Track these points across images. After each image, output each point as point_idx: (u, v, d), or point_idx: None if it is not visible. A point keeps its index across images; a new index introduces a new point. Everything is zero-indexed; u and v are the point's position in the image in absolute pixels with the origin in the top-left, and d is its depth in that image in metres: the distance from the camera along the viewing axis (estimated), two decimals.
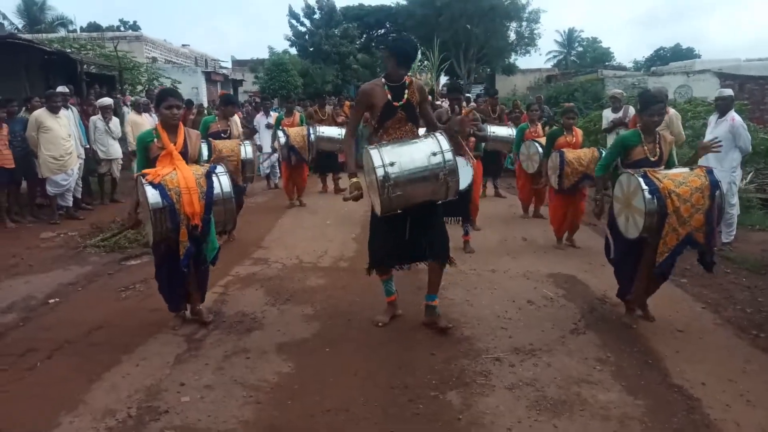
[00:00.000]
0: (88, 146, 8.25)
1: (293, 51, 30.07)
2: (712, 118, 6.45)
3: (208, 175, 3.68)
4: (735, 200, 6.05)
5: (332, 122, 9.74)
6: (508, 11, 30.83)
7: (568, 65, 44.84)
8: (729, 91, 6.28)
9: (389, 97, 3.64)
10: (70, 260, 5.73)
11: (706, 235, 3.55)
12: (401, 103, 3.66)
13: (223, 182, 3.73)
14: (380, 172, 3.37)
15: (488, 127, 7.63)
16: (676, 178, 3.58)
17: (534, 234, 6.76)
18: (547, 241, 6.40)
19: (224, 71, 28.95)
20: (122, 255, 5.86)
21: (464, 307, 4.30)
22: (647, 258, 3.81)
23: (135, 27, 43.31)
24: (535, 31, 32.94)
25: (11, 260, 5.71)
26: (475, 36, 29.19)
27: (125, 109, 11.15)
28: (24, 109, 7.85)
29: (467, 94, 16.29)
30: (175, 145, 3.74)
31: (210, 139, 5.83)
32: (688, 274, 4.98)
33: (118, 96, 12.49)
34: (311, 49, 28.91)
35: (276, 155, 9.66)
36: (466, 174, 5.13)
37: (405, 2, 32.05)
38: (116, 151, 8.77)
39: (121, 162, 9.00)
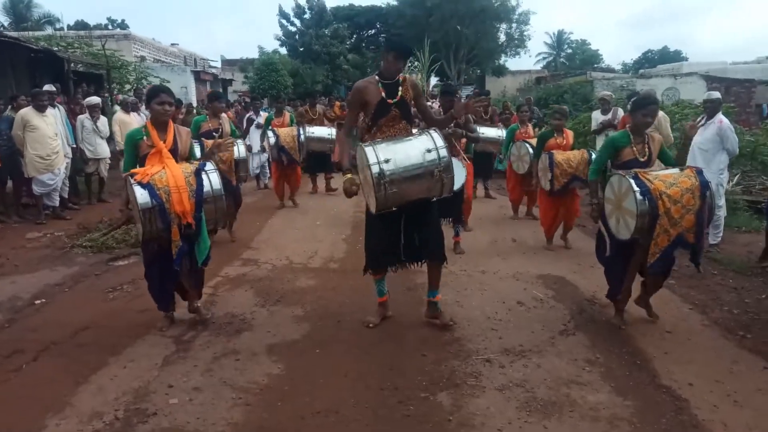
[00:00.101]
0: (75, 145, 8.16)
1: (283, 51, 30.02)
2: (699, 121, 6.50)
3: (198, 173, 3.64)
4: (722, 202, 6.11)
5: (323, 122, 9.71)
6: (498, 13, 31.01)
7: (557, 67, 45.15)
8: (717, 94, 6.34)
9: (383, 94, 3.63)
10: (56, 260, 5.66)
11: (696, 235, 3.58)
12: (395, 100, 3.66)
13: (212, 180, 3.69)
14: (375, 168, 3.36)
15: (478, 128, 7.65)
16: (667, 179, 3.61)
17: (524, 235, 6.78)
18: (537, 242, 6.43)
19: (213, 71, 28.82)
20: (110, 255, 5.80)
21: (454, 308, 4.30)
22: (637, 259, 3.84)
23: (123, 25, 42.94)
24: (525, 33, 33.20)
25: None
26: (466, 37, 29.32)
27: (117, 107, 11.06)
28: (10, 107, 7.76)
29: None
30: (164, 142, 3.70)
31: (202, 138, 5.79)
32: (676, 276, 5.01)
33: (107, 95, 12.39)
34: (301, 49, 28.87)
35: (265, 155, 9.62)
36: (458, 175, 5.14)
37: (395, 3, 32.12)
38: (104, 150, 8.68)
39: (108, 161, 8.92)
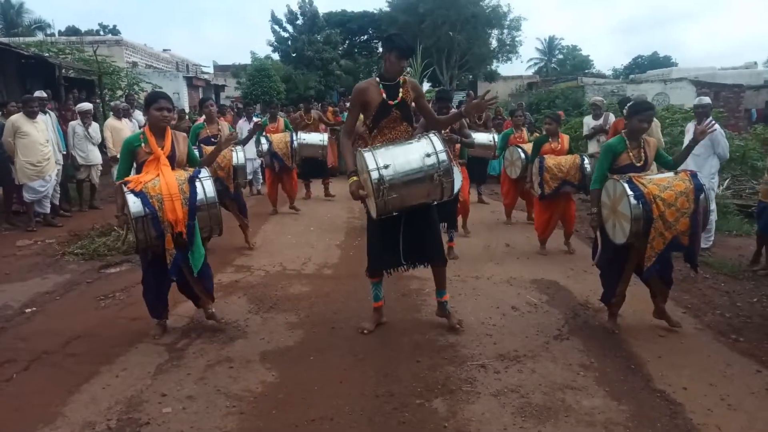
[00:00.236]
0: (66, 152, 8.10)
1: (276, 56, 30.06)
2: (690, 126, 6.56)
3: (191, 181, 3.62)
4: (713, 206, 6.16)
5: (318, 127, 9.71)
6: (490, 19, 31.22)
7: (548, 72, 45.48)
8: (707, 99, 6.40)
9: (384, 95, 3.62)
10: (47, 268, 5.61)
11: (691, 239, 3.59)
12: (396, 101, 3.65)
13: (206, 187, 3.65)
14: (374, 174, 3.35)
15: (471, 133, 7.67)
16: (661, 182, 3.63)
17: (517, 240, 6.80)
18: (531, 247, 6.44)
19: (206, 76, 28.81)
20: (101, 263, 5.75)
21: None
22: (632, 263, 3.86)
23: (115, 31, 42.87)
24: (517, 39, 33.44)
25: None
26: (458, 43, 29.49)
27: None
28: (0, 114, 7.69)
29: None
30: (162, 149, 3.67)
31: (201, 145, 5.78)
32: None
33: (98, 101, 12.32)
34: (294, 55, 28.91)
35: (258, 161, 9.59)
36: (455, 180, 5.15)
37: (388, 9, 32.25)
38: (96, 156, 8.63)
39: (100, 168, 8.86)
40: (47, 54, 13.09)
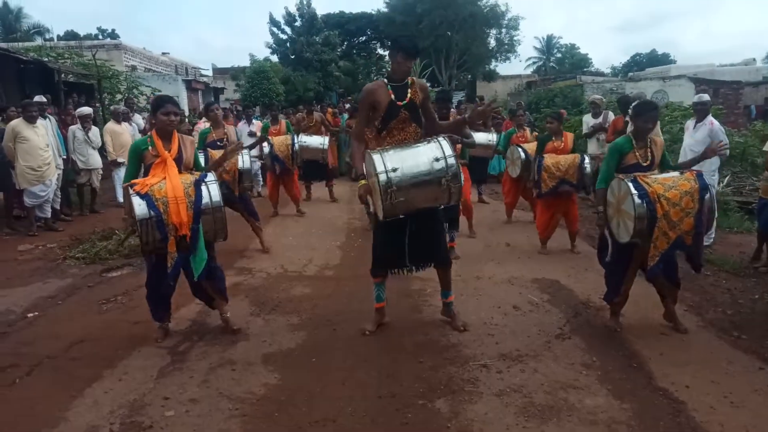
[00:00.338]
0: (66, 156, 8.11)
1: (274, 58, 30.02)
2: (690, 123, 6.57)
3: (197, 184, 3.62)
4: (713, 204, 6.16)
5: (320, 129, 9.72)
6: (488, 18, 31.21)
7: (547, 71, 45.45)
8: (707, 97, 6.41)
9: (392, 96, 3.63)
10: (49, 273, 5.62)
11: (695, 238, 3.58)
12: (405, 102, 3.65)
13: (212, 191, 3.65)
14: (383, 177, 3.36)
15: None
16: (666, 182, 3.62)
17: (518, 240, 6.80)
18: (531, 246, 6.44)
19: (205, 79, 28.83)
20: (103, 267, 5.76)
21: None
22: (637, 262, 3.86)
23: (114, 35, 42.90)
24: (515, 38, 33.44)
25: None
26: (456, 43, 29.49)
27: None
28: (0, 119, 7.70)
29: None
30: (169, 152, 3.69)
31: (207, 149, 5.77)
32: None
33: (98, 105, 12.33)
34: (292, 57, 28.89)
35: (258, 163, 9.60)
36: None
37: (385, 9, 32.24)
38: (96, 161, 8.64)
39: (100, 172, 8.87)
40: (46, 59, 13.10)
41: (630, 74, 32.29)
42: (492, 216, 8.24)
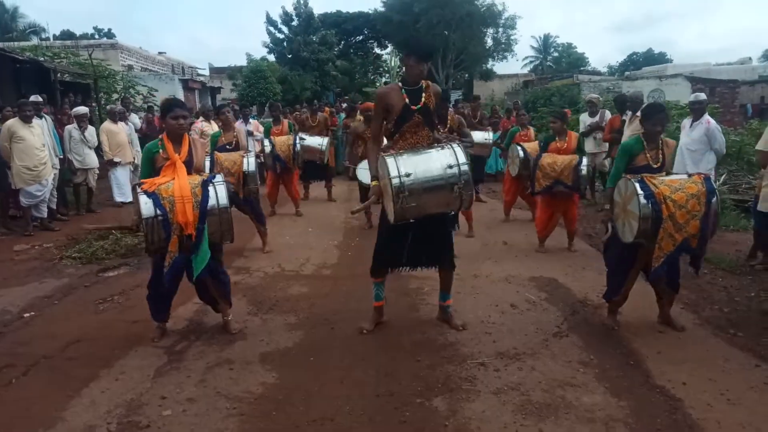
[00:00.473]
0: (62, 156, 8.09)
1: (271, 58, 30.02)
2: (686, 122, 6.59)
3: (204, 185, 3.62)
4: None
5: (323, 129, 9.71)
6: (485, 17, 31.19)
7: (544, 70, 45.53)
8: (703, 96, 6.43)
9: (406, 100, 3.62)
10: (45, 273, 5.60)
11: (699, 241, 3.57)
12: (419, 106, 3.65)
13: (219, 192, 3.65)
14: (396, 182, 3.35)
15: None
16: (673, 184, 3.61)
17: (515, 238, 6.80)
18: (528, 245, 6.45)
19: (202, 79, 28.76)
20: (99, 266, 5.74)
21: None
22: (640, 263, 3.86)
23: (110, 35, 42.76)
24: (512, 37, 33.43)
25: None
26: (453, 42, 29.46)
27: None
28: None
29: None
30: (179, 155, 3.70)
31: (215, 152, 5.75)
32: None
33: (94, 105, 12.30)
34: (289, 56, 28.88)
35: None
36: None
37: (382, 9, 32.20)
38: (92, 160, 8.62)
39: (97, 171, 8.85)
40: (42, 58, 13.07)
41: (627, 73, 32.37)
42: (489, 215, 8.25)
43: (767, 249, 5.39)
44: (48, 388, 3.24)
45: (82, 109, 8.84)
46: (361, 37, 36.72)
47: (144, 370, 3.42)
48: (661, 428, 2.76)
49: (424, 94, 3.67)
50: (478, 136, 8.29)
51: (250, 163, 5.85)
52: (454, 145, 3.57)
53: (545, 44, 52.33)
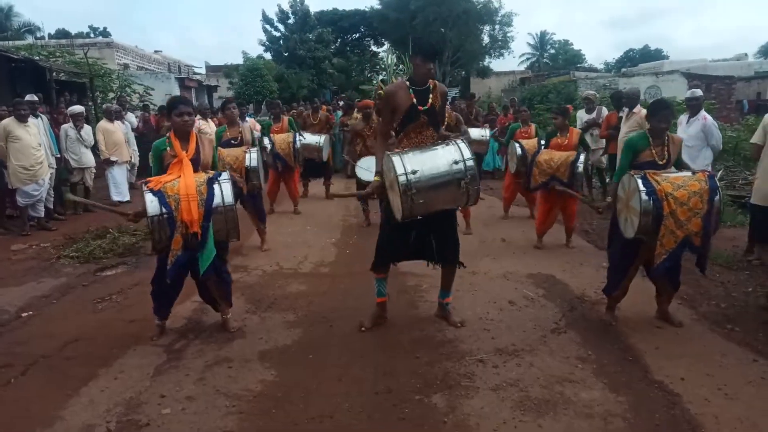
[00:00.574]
0: (59, 155, 8.06)
1: (268, 56, 29.97)
2: (683, 118, 6.59)
3: (210, 183, 3.62)
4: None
5: (323, 128, 9.69)
6: (481, 15, 31.17)
7: (540, 67, 45.55)
8: (699, 92, 6.44)
9: (414, 100, 3.62)
10: (43, 272, 5.59)
11: (703, 240, 3.58)
12: (426, 107, 3.64)
13: (225, 190, 3.64)
14: (402, 179, 3.36)
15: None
16: (676, 181, 3.62)
17: (513, 235, 6.81)
18: (526, 241, 6.46)
19: (198, 77, 28.72)
20: (97, 266, 5.73)
21: None
22: (641, 259, 3.87)
23: (105, 33, 42.65)
24: (508, 34, 33.41)
25: None
26: (450, 39, 29.43)
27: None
28: None
29: None
30: (186, 152, 3.70)
31: (219, 148, 5.74)
32: None
33: (90, 104, 12.26)
34: (286, 54, 28.84)
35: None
36: None
37: (379, 6, 32.15)
38: (89, 159, 8.59)
39: (93, 171, 8.82)
40: (37, 57, 13.01)
41: (623, 70, 32.43)
42: (487, 212, 8.25)
43: (762, 242, 5.41)
44: (46, 387, 3.23)
45: (78, 108, 8.80)
46: (357, 35, 36.68)
47: (143, 369, 3.42)
48: (659, 423, 2.77)
49: (431, 95, 3.67)
50: (475, 133, 8.30)
51: (252, 159, 5.83)
52: (458, 141, 3.58)
53: (542, 41, 52.35)
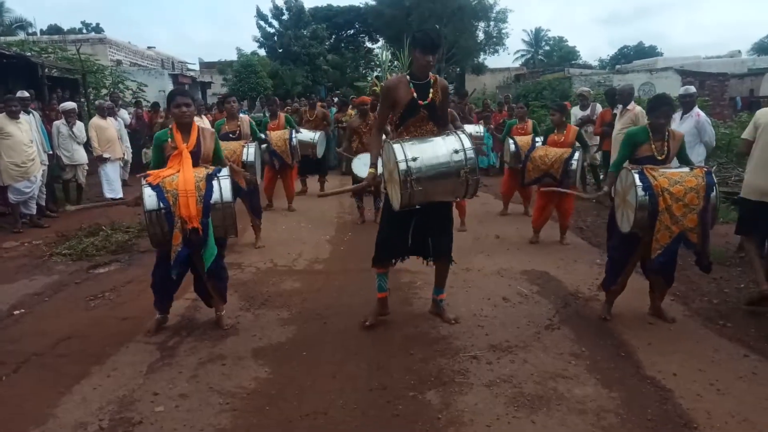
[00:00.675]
0: (51, 152, 8.00)
1: (262, 52, 29.86)
2: (676, 115, 6.60)
3: (209, 179, 3.60)
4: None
5: (319, 124, 9.67)
6: (476, 11, 31.20)
7: (535, 64, 45.59)
8: (693, 89, 6.46)
9: (414, 95, 3.61)
10: (35, 269, 5.55)
11: (701, 237, 3.59)
12: (426, 102, 3.63)
13: (223, 186, 3.63)
14: (402, 166, 3.35)
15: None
16: (673, 176, 3.63)
17: (507, 232, 6.82)
18: (520, 238, 6.47)
19: (192, 73, 28.58)
20: (89, 263, 5.70)
21: None
22: (638, 254, 3.89)
23: (98, 29, 42.40)
24: (503, 31, 33.47)
25: None
26: (445, 36, 29.39)
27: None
28: None
29: None
30: (187, 144, 3.69)
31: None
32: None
33: (83, 100, 12.17)
34: (280, 51, 28.76)
35: None
36: None
37: (374, 2, 32.08)
38: (81, 156, 8.54)
39: (86, 168, 8.77)
40: (29, 53, 12.91)
41: (617, 66, 32.49)
42: (481, 209, 8.26)
43: (746, 235, 5.43)
44: (39, 385, 3.21)
45: (70, 105, 8.74)
46: (352, 31, 36.61)
47: (136, 367, 3.40)
48: (651, 419, 2.78)
49: (431, 90, 3.65)
50: (469, 129, 8.30)
51: (249, 153, 5.81)
52: (458, 132, 3.59)
53: (536, 38, 52.38)
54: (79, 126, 8.54)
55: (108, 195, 8.95)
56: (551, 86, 20.49)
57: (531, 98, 18.91)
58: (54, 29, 38.40)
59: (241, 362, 3.46)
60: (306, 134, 8.88)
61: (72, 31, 36.97)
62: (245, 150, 5.79)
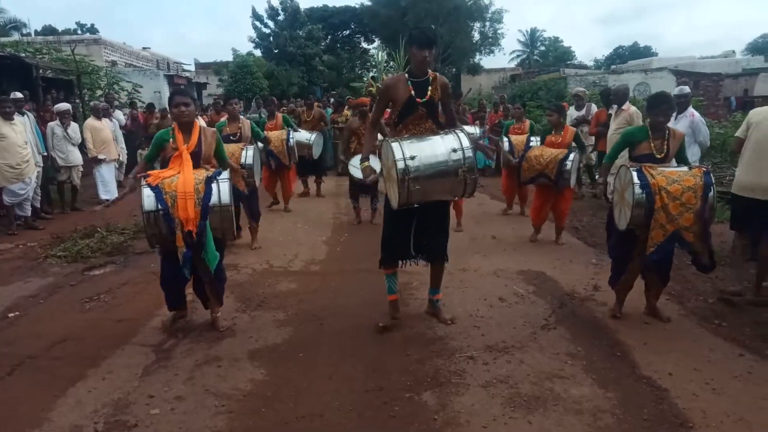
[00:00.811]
0: (46, 153, 7.97)
1: (257, 53, 29.84)
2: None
3: (208, 181, 3.59)
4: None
5: (316, 125, 9.66)
6: (472, 11, 31.23)
7: (531, 64, 45.69)
8: (687, 89, 6.48)
9: (412, 92, 3.60)
10: (30, 272, 5.53)
11: (699, 236, 3.59)
12: (424, 99, 3.62)
13: (222, 189, 3.61)
14: (400, 164, 3.35)
15: None
16: (671, 175, 3.64)
17: (503, 232, 6.83)
18: (517, 238, 6.48)
19: (187, 74, 28.53)
20: (85, 265, 5.67)
21: None
22: (638, 252, 3.89)
23: (93, 30, 42.23)
24: (499, 31, 33.50)
25: None
26: (440, 36, 29.41)
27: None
28: None
29: None
30: (188, 145, 3.68)
31: None
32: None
33: (77, 101, 12.13)
34: (276, 51, 28.73)
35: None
36: None
37: (369, 3, 32.09)
38: (76, 157, 8.50)
39: (81, 169, 8.73)
40: (24, 54, 12.87)
41: (613, 67, 32.59)
42: (478, 209, 8.26)
43: (738, 231, 5.45)
44: (34, 388, 3.20)
45: (64, 106, 8.70)
46: (347, 32, 36.60)
47: (131, 369, 3.39)
48: (647, 418, 2.79)
49: (430, 87, 3.64)
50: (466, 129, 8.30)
51: (248, 156, 5.80)
52: (457, 131, 3.58)
53: (532, 38, 52.51)
54: (73, 127, 8.50)
55: (103, 196, 8.91)
56: (547, 86, 20.53)
57: (527, 98, 18.94)
58: (49, 30, 38.28)
59: (237, 364, 3.45)
60: (302, 135, 8.86)
61: (67, 31, 36.81)
62: (244, 153, 5.78)
